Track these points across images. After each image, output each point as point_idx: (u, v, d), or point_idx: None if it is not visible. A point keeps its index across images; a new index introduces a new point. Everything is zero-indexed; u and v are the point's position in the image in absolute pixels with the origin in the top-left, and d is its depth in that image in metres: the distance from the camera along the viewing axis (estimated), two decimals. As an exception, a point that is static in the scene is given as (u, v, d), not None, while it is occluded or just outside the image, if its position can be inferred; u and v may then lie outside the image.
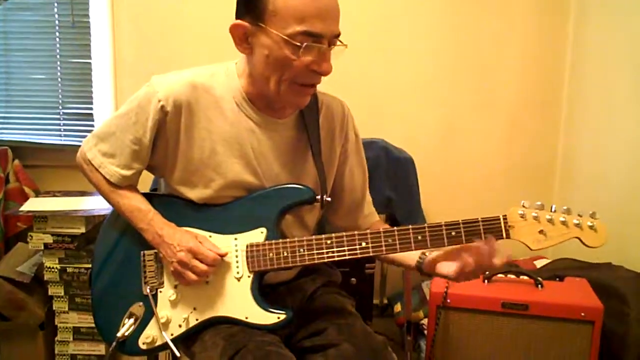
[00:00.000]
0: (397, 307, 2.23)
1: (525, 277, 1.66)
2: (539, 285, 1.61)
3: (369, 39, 2.24)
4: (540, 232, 1.09)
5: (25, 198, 2.13)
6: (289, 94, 1.12)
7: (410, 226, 1.12)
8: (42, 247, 1.89)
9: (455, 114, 2.34)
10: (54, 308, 1.94)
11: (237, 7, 1.11)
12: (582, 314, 1.49)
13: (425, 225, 1.11)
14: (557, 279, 1.70)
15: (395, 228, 1.13)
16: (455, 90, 2.33)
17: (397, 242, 1.12)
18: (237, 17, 1.10)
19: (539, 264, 1.99)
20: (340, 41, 1.10)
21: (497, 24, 2.28)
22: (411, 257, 1.21)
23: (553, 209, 1.10)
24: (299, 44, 1.04)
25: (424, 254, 1.19)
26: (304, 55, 1.06)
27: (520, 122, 2.35)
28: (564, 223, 1.08)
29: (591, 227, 1.08)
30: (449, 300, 1.57)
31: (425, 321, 1.98)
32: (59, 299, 1.93)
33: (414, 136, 2.29)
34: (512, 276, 1.69)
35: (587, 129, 2.17)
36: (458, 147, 2.36)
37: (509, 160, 2.37)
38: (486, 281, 1.64)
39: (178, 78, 1.17)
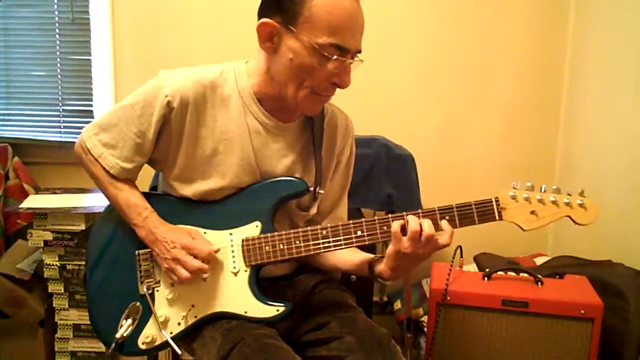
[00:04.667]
0: (397, 304, 2.23)
1: (525, 275, 1.66)
2: (539, 283, 1.61)
3: (369, 38, 2.22)
4: (532, 212, 1.11)
5: (25, 195, 2.13)
6: (305, 101, 1.13)
7: (404, 213, 1.13)
8: (42, 244, 1.90)
9: (455, 112, 2.34)
10: (53, 305, 1.94)
11: (264, 4, 1.11)
12: (582, 311, 1.49)
13: (419, 211, 1.12)
14: (557, 277, 1.70)
15: (390, 215, 1.13)
16: (455, 88, 2.32)
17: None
18: (264, 15, 1.09)
19: (539, 261, 1.99)
20: (357, 56, 1.12)
21: (497, 22, 2.28)
22: (362, 268, 1.23)
23: (543, 189, 1.12)
24: (328, 54, 1.05)
25: (372, 266, 1.20)
26: (328, 66, 1.07)
27: (520, 120, 2.35)
28: (554, 202, 1.11)
29: (581, 205, 1.10)
30: (448, 298, 1.57)
31: (425, 318, 1.99)
32: (58, 296, 1.93)
33: (414, 133, 2.29)
34: (512, 273, 1.69)
35: (587, 128, 2.16)
36: (458, 145, 2.36)
37: (508, 158, 2.37)
38: (486, 278, 1.64)
39: (186, 75, 1.16)
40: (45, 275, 1.92)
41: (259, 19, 1.10)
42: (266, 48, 1.11)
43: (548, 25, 2.28)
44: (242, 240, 1.18)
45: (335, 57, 1.06)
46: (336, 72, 1.09)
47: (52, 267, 1.91)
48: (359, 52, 1.11)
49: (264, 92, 1.17)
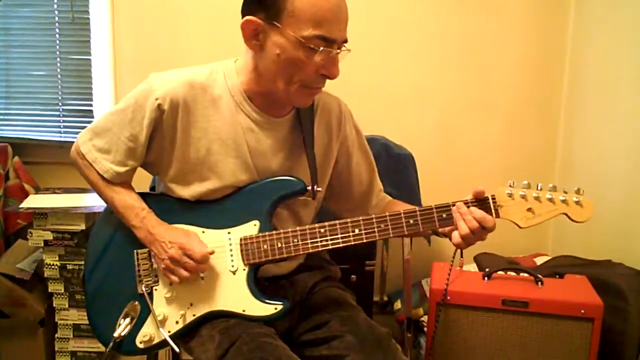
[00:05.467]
0: (397, 304, 2.23)
1: (525, 274, 1.66)
2: (539, 283, 1.61)
3: (369, 37, 2.23)
4: (529, 210, 1.12)
5: (25, 195, 2.13)
6: (297, 95, 1.13)
7: (401, 210, 1.14)
8: (42, 244, 1.90)
9: (455, 112, 2.34)
10: (54, 305, 1.94)
11: (247, 2, 1.10)
12: (582, 311, 1.49)
13: (417, 209, 1.13)
14: (557, 276, 1.70)
15: (387, 213, 1.14)
16: (454, 87, 2.32)
17: (390, 227, 1.14)
18: (248, 13, 1.09)
19: (539, 261, 1.99)
20: (344, 45, 1.11)
21: (497, 22, 2.28)
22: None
23: (539, 187, 1.13)
24: (314, 47, 1.05)
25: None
26: (316, 58, 1.07)
27: (520, 120, 2.35)
28: (550, 200, 1.11)
29: (577, 203, 1.11)
30: (448, 297, 1.57)
31: (425, 318, 1.99)
32: (59, 295, 1.93)
33: (413, 133, 2.29)
34: (512, 273, 1.69)
35: (587, 128, 2.16)
36: (458, 144, 2.36)
37: (508, 158, 2.37)
38: (486, 278, 1.64)
39: (176, 76, 1.17)
40: (45, 275, 1.92)
41: (242, 17, 1.10)
42: (252, 46, 1.12)
43: (548, 25, 2.28)
44: (241, 239, 1.18)
45: (321, 48, 1.06)
46: (324, 64, 1.09)
47: (53, 266, 1.91)
48: (345, 42, 1.11)
49: (253, 89, 1.18)
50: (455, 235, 1.11)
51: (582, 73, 2.21)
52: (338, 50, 1.09)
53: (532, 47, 2.29)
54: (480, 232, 1.09)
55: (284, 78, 1.10)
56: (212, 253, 1.16)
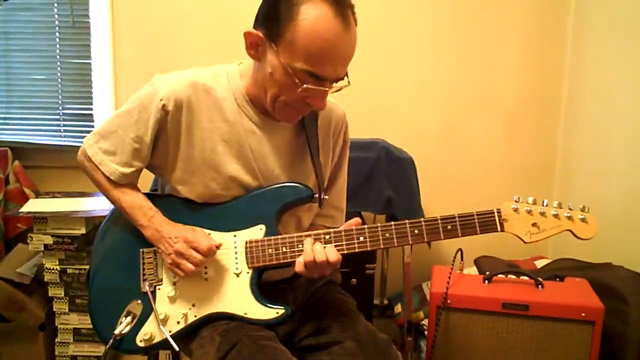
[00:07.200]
0: (398, 308, 2.23)
1: (526, 278, 1.66)
2: (540, 286, 1.61)
3: (369, 39, 2.24)
4: (534, 225, 1.12)
5: (26, 199, 2.13)
6: (281, 112, 1.15)
7: (407, 221, 1.14)
8: (42, 248, 1.90)
9: (455, 114, 2.35)
10: (54, 309, 1.94)
11: (258, 13, 1.11)
12: (583, 314, 1.49)
13: (422, 219, 1.14)
14: (558, 279, 1.70)
15: (392, 222, 1.14)
16: (455, 90, 2.33)
17: (395, 236, 1.14)
18: (254, 24, 1.11)
19: (540, 264, 1.99)
20: (347, 76, 1.11)
21: (497, 23, 2.29)
22: None
23: (545, 203, 1.13)
24: (299, 80, 1.06)
25: None
26: (303, 90, 1.07)
27: (520, 122, 2.35)
28: (556, 216, 1.12)
29: (582, 220, 1.11)
30: (449, 301, 1.57)
31: (425, 322, 1.99)
32: (59, 300, 1.93)
33: (414, 136, 2.30)
34: (513, 276, 1.69)
35: (587, 128, 2.16)
36: (458, 147, 2.36)
37: (508, 160, 2.37)
38: (486, 281, 1.64)
39: (180, 78, 1.17)
40: (45, 279, 1.92)
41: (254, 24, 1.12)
42: (251, 55, 1.13)
43: (548, 25, 2.29)
44: (246, 242, 1.19)
45: (305, 85, 1.06)
46: (311, 96, 1.09)
47: (53, 271, 1.91)
48: (341, 79, 1.11)
49: (254, 93, 1.19)
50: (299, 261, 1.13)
51: (582, 73, 2.21)
52: (327, 88, 1.09)
53: (532, 47, 2.30)
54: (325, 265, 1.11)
55: (271, 94, 1.12)
56: (219, 246, 1.17)
